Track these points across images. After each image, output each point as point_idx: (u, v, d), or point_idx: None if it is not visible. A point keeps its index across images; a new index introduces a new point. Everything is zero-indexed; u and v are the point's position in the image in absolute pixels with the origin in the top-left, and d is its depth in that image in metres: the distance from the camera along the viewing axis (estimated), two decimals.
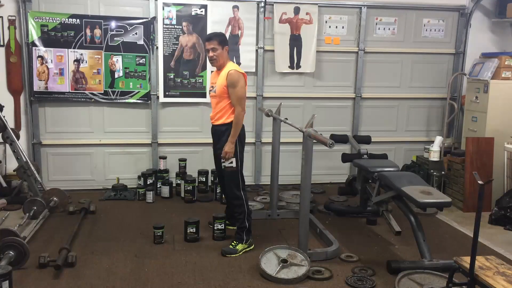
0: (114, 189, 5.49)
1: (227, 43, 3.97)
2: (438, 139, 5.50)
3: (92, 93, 5.50)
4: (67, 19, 5.30)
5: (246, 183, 4.16)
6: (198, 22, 5.56)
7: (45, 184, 5.18)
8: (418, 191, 3.71)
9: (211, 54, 3.91)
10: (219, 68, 3.96)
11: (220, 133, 4.01)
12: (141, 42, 5.49)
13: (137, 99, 5.61)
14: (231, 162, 3.90)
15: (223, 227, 4.21)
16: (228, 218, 4.31)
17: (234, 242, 3.98)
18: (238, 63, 5.69)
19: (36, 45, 5.29)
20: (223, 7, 5.61)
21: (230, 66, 3.92)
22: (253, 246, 4.01)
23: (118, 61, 5.49)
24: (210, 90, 4.11)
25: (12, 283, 3.01)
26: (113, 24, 5.40)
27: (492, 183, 4.96)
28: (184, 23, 5.54)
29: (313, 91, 6.02)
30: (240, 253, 3.91)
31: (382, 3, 5.94)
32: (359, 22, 5.93)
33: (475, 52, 6.03)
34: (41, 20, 5.25)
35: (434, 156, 5.45)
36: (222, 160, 3.94)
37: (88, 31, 5.36)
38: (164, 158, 5.67)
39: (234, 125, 3.87)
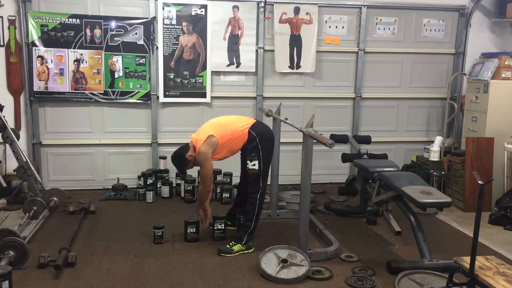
0: (114, 189, 5.49)
1: (183, 155, 4.01)
2: (438, 139, 5.50)
3: (92, 93, 5.50)
4: (67, 19, 5.30)
5: None
6: (198, 22, 5.56)
7: (45, 184, 5.18)
8: (418, 191, 3.71)
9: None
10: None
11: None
12: (141, 42, 5.49)
13: (137, 99, 5.61)
14: (254, 165, 3.91)
15: (223, 227, 4.21)
16: (230, 218, 4.31)
17: (232, 242, 3.97)
18: (238, 63, 5.70)
19: (36, 45, 5.29)
20: (223, 7, 5.61)
21: (197, 147, 3.92)
22: (252, 249, 3.97)
23: (118, 61, 5.49)
24: None
25: (12, 283, 3.01)
26: (113, 24, 5.40)
27: (492, 183, 4.96)
28: (184, 23, 5.54)
29: (313, 91, 6.02)
30: (235, 254, 3.89)
31: (382, 3, 5.94)
32: (359, 22, 5.93)
33: (475, 52, 6.03)
34: (41, 20, 5.25)
35: (434, 156, 5.45)
36: (246, 162, 3.95)
37: (88, 31, 5.36)
38: (164, 158, 5.67)
39: (198, 194, 3.97)
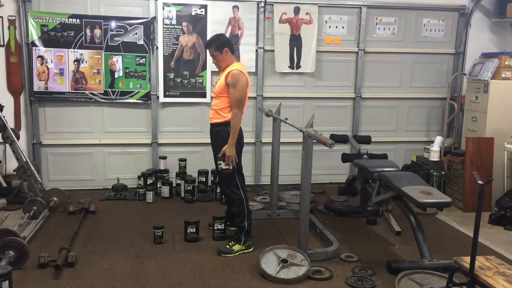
0: (114, 189, 5.49)
1: (227, 45, 3.89)
2: (438, 139, 5.50)
3: (92, 93, 5.50)
4: (67, 19, 5.30)
5: (246, 183, 4.15)
6: (198, 22, 5.56)
7: (45, 184, 5.18)
8: (418, 191, 3.71)
9: (212, 61, 4.00)
10: (223, 70, 3.95)
11: (214, 133, 4.00)
12: (141, 42, 5.49)
13: (137, 99, 5.61)
14: (227, 165, 3.87)
15: (223, 227, 4.21)
16: (229, 219, 4.31)
17: (232, 242, 3.97)
18: None
19: (36, 45, 5.29)
20: (223, 7, 5.61)
21: (235, 66, 3.87)
22: (251, 248, 3.98)
23: (118, 61, 5.49)
24: (213, 86, 4.12)
25: (12, 283, 3.01)
26: (113, 24, 5.40)
27: (492, 183, 4.96)
28: (184, 23, 5.54)
29: (313, 91, 6.02)
30: (235, 254, 3.89)
31: (382, 3, 5.94)
32: (359, 22, 5.93)
33: (475, 52, 6.03)
34: (41, 20, 5.25)
35: (434, 156, 5.45)
36: (218, 162, 3.93)
37: (88, 31, 5.36)
38: (164, 158, 5.67)
39: (232, 126, 3.80)
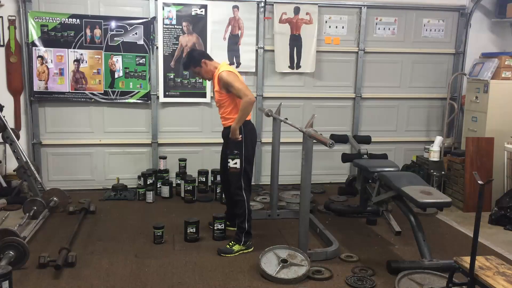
0: (114, 189, 5.49)
1: (202, 56, 3.98)
2: (438, 139, 5.50)
3: (92, 93, 5.50)
4: (67, 19, 5.30)
5: None
6: (198, 22, 5.56)
7: (45, 184, 5.18)
8: (418, 191, 3.71)
9: (199, 77, 4.20)
10: (212, 79, 4.01)
11: (225, 135, 4.04)
12: (141, 42, 5.49)
13: (137, 99, 5.61)
14: (235, 163, 3.88)
15: (223, 227, 4.21)
16: (228, 219, 4.31)
17: (232, 242, 3.98)
18: (238, 63, 5.70)
19: (36, 45, 5.29)
20: (223, 7, 5.61)
21: (219, 69, 3.92)
22: (251, 249, 3.97)
23: (118, 61, 5.49)
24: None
25: (12, 283, 3.01)
26: (113, 24, 5.40)
27: (492, 183, 4.96)
28: (184, 23, 5.54)
29: (313, 91, 6.02)
30: (235, 254, 3.90)
31: (382, 3, 5.94)
32: (359, 22, 5.93)
33: (475, 52, 6.03)
34: (41, 20, 5.25)
35: (434, 156, 5.45)
36: (228, 161, 3.93)
37: (88, 31, 5.36)
38: (164, 158, 5.67)
39: (240, 110, 3.79)
